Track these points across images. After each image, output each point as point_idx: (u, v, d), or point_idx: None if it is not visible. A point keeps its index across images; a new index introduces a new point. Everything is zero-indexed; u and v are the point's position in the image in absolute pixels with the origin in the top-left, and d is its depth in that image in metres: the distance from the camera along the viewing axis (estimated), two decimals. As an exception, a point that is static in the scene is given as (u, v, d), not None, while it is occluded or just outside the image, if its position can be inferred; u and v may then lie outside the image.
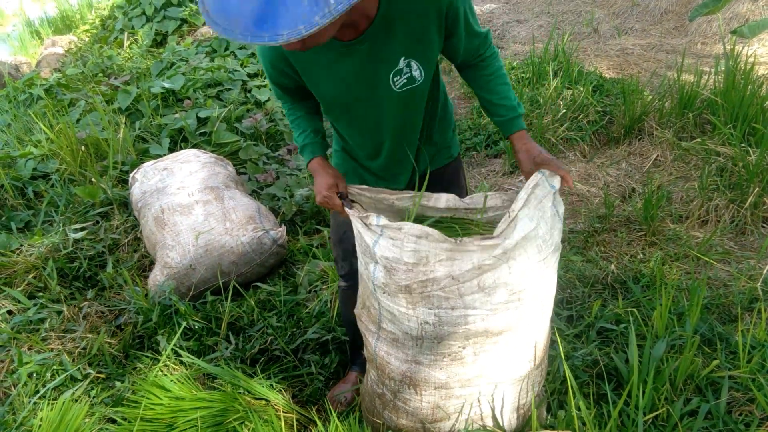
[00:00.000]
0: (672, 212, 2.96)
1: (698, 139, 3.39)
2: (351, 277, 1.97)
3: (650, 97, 3.88)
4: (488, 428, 1.58)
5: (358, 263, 1.60)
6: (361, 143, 1.73)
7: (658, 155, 3.50)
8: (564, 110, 3.83)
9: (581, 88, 3.98)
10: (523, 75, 4.44)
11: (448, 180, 1.87)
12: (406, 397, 1.60)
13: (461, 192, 1.88)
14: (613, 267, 2.56)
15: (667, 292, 2.10)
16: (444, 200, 1.68)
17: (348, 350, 2.26)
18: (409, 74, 1.47)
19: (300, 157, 3.86)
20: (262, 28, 0.93)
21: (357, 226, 1.50)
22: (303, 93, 1.65)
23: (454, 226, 1.61)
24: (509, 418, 1.61)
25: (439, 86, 1.71)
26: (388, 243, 1.41)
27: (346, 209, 1.53)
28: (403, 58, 1.44)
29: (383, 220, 1.42)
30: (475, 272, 1.37)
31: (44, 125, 3.96)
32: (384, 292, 1.48)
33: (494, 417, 1.58)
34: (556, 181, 1.49)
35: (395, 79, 1.47)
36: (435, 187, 1.74)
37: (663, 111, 3.70)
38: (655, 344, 1.88)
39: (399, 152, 1.70)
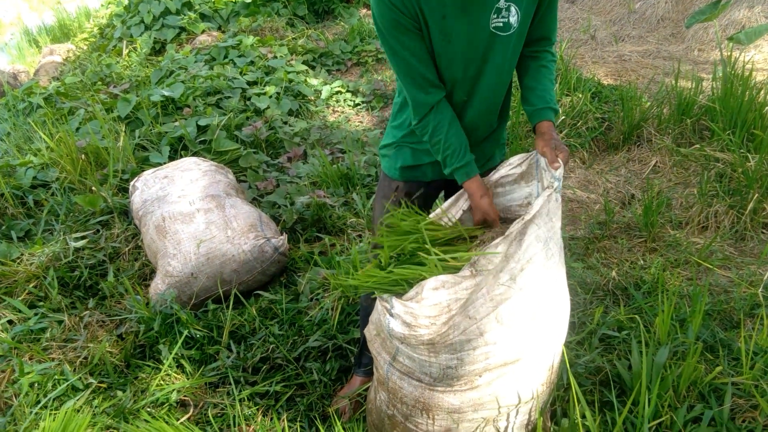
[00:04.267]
0: (672, 218, 2.97)
1: (697, 146, 3.40)
2: None
3: (648, 103, 3.89)
4: None
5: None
6: (456, 85, 1.64)
7: (657, 161, 3.52)
8: (563, 117, 3.84)
9: (580, 95, 4.00)
10: (522, 82, 4.45)
11: None
12: (418, 421, 1.59)
13: None
14: (614, 273, 2.57)
15: (668, 298, 2.11)
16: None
17: (357, 350, 2.21)
18: (506, 19, 1.48)
19: (299, 165, 3.87)
20: None
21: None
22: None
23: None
24: None
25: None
26: (405, 301, 1.41)
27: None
28: None
29: (393, 299, 1.44)
30: (490, 306, 1.37)
31: (44, 134, 3.96)
32: (402, 343, 1.47)
33: None
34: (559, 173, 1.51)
35: (493, 17, 1.47)
36: None
37: (661, 117, 3.72)
38: (658, 351, 1.88)
39: (484, 112, 1.69)
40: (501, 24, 1.48)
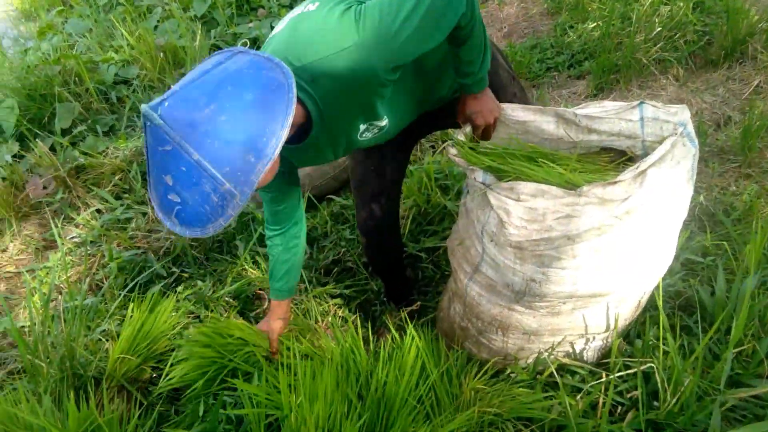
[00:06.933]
0: (772, 143, 2.75)
1: (810, 65, 3.09)
2: (370, 230, 1.87)
3: (757, 17, 3.52)
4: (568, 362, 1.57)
5: (464, 196, 1.54)
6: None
7: (760, 81, 3.22)
8: (659, 28, 3.54)
9: (680, 4, 3.65)
10: (615, -11, 4.10)
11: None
12: (492, 337, 1.58)
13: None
14: (701, 198, 2.43)
15: (762, 227, 1.98)
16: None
17: (386, 298, 2.24)
18: (375, 129, 1.41)
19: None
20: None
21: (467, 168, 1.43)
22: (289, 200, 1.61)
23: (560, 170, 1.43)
24: (590, 356, 1.60)
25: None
26: (501, 195, 1.33)
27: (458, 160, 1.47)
28: (362, 124, 1.37)
29: (490, 178, 1.35)
30: (594, 233, 1.28)
31: (125, 30, 4.01)
32: (492, 241, 1.41)
33: (576, 355, 1.56)
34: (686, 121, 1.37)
35: (364, 134, 1.41)
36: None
37: (771, 33, 3.37)
38: (745, 279, 1.79)
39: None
40: (377, 130, 1.41)
